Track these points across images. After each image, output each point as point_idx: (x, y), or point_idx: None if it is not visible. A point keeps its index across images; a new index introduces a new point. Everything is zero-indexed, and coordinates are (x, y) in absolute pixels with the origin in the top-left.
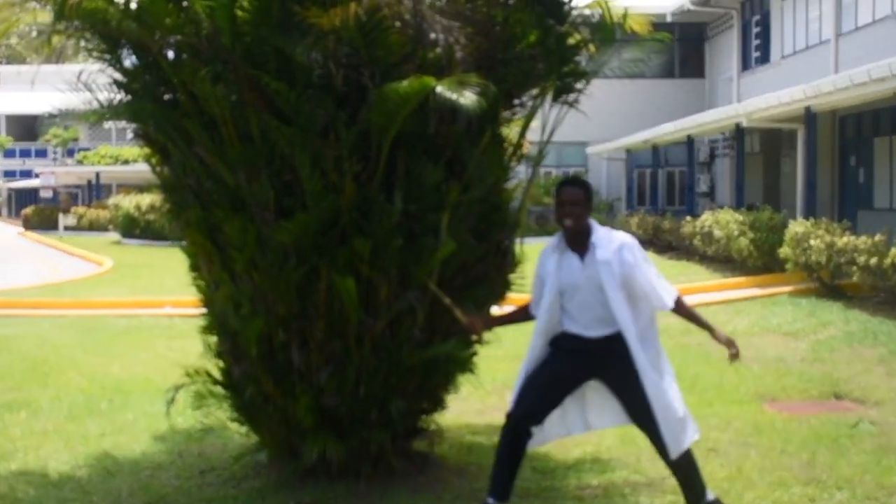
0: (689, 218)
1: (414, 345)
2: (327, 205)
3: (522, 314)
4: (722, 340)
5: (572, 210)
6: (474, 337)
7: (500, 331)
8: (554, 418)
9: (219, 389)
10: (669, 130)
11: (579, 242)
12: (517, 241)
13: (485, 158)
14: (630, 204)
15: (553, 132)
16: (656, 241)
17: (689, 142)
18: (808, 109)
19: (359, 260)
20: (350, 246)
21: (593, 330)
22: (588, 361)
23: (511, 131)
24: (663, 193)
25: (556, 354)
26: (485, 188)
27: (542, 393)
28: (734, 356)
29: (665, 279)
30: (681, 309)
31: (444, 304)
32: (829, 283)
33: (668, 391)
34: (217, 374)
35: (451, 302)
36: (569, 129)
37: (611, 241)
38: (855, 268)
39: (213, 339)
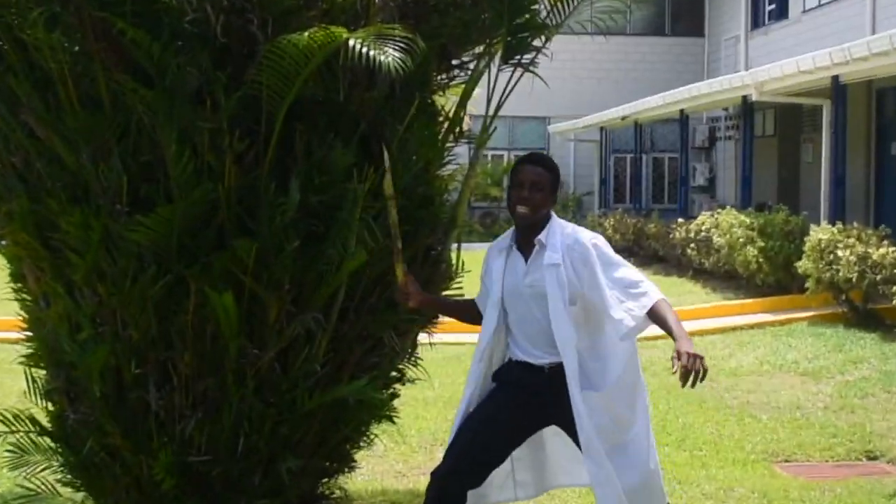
0: (681, 220)
1: (313, 384)
2: (200, 195)
3: (470, 312)
4: (679, 348)
5: (531, 196)
6: (401, 306)
7: (431, 368)
8: (498, 477)
9: (47, 441)
10: (657, 104)
11: (529, 239)
12: (453, 246)
13: (411, 136)
14: (604, 200)
15: (503, 103)
16: (638, 250)
17: (683, 120)
18: (835, 80)
19: (241, 269)
20: (229, 251)
21: (544, 356)
22: (541, 400)
23: (447, 101)
24: (648, 187)
25: (501, 391)
26: (411, 175)
27: (479, 443)
28: (685, 375)
29: (644, 283)
30: (655, 315)
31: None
32: (862, 308)
33: (625, 450)
34: (45, 421)
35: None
36: (524, 101)
37: (566, 238)
38: None
39: (41, 372)
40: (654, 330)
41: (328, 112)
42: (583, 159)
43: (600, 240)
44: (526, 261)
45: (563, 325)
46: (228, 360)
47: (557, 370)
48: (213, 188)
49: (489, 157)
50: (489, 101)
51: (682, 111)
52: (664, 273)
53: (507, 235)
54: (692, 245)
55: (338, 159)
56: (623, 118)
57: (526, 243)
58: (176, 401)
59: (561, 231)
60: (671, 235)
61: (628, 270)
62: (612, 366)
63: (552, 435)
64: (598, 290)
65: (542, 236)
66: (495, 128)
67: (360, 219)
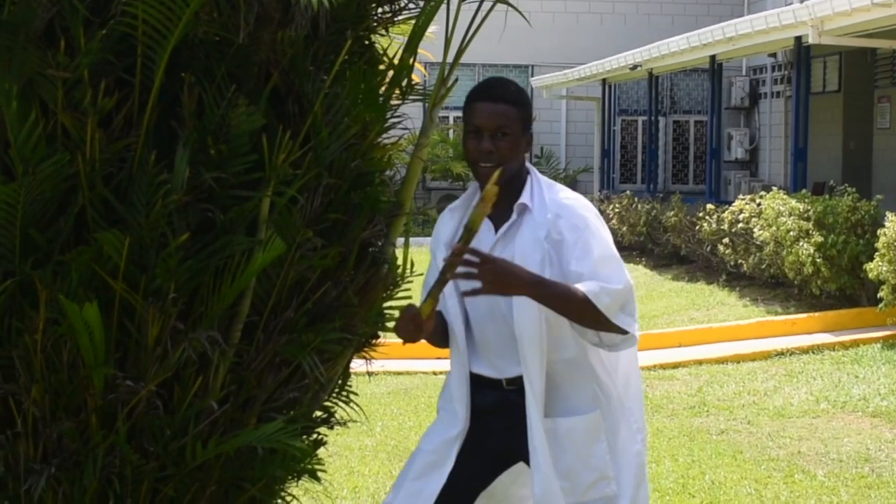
0: (710, 206)
1: (208, 427)
2: (51, 170)
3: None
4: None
5: (496, 147)
6: (401, 335)
7: (369, 407)
8: None
9: None
10: (680, 49)
11: (501, 202)
12: (399, 241)
13: (341, 90)
14: (607, 179)
15: (466, 46)
16: (653, 248)
17: (715, 70)
18: None
19: (108, 271)
20: (93, 246)
21: (509, 365)
22: (507, 435)
23: (391, 43)
24: (667, 161)
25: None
26: (341, 145)
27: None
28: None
29: (616, 268)
30: None
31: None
32: None
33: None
34: None
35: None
36: (498, 44)
37: (553, 204)
38: None
39: None
40: (671, 356)
41: (227, 58)
42: (578, 124)
43: (589, 207)
44: (496, 229)
45: (527, 322)
46: (92, 396)
47: (519, 387)
48: (69, 161)
49: (450, 120)
50: (448, 42)
51: (713, 58)
52: (688, 278)
53: (467, 193)
54: (726, 240)
55: (241, 122)
56: (633, 67)
57: (497, 205)
58: (20, 451)
59: (548, 192)
60: (697, 227)
61: (606, 250)
62: (590, 391)
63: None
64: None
65: (525, 198)
66: (457, 80)
67: (273, 201)
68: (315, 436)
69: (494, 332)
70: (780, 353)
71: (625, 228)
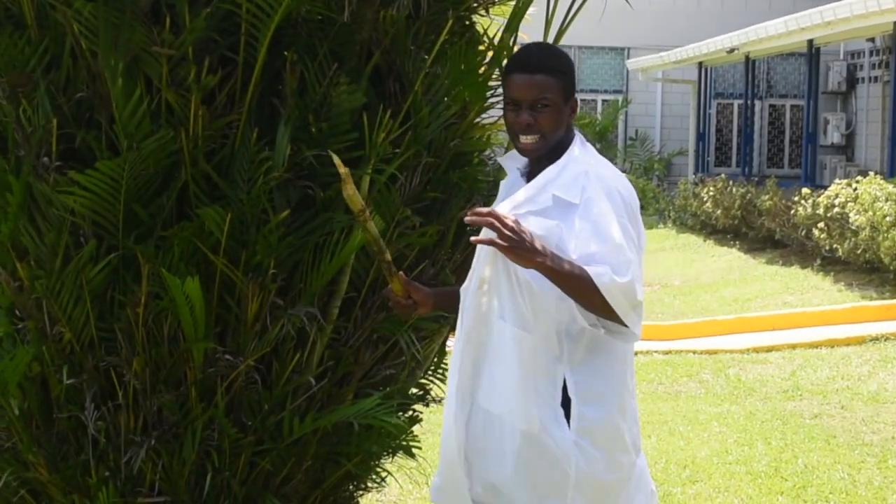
0: (806, 191)
1: (305, 403)
2: (155, 146)
3: None
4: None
5: (536, 120)
6: (399, 312)
7: None
8: None
9: None
10: (777, 32)
11: (542, 165)
12: None
13: (442, 70)
14: (702, 162)
15: (566, 28)
16: (747, 231)
17: (812, 54)
18: None
19: (210, 247)
20: (195, 222)
21: None
22: None
23: (491, 24)
24: (762, 145)
25: None
26: (440, 124)
27: None
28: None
29: (625, 259)
30: None
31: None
32: None
33: None
34: None
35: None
36: (596, 26)
37: (585, 169)
38: None
39: None
40: (765, 340)
41: (330, 36)
42: (673, 106)
43: (628, 194)
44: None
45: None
46: (192, 370)
47: None
48: (173, 137)
49: None
50: (548, 24)
51: (810, 42)
52: (782, 262)
53: (517, 154)
54: (821, 225)
55: (342, 100)
56: (730, 51)
57: (538, 169)
58: (121, 423)
59: (582, 162)
60: (792, 212)
61: (628, 248)
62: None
63: None
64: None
65: (556, 168)
66: None
67: (373, 179)
68: (411, 412)
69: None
70: (875, 339)
71: (719, 212)
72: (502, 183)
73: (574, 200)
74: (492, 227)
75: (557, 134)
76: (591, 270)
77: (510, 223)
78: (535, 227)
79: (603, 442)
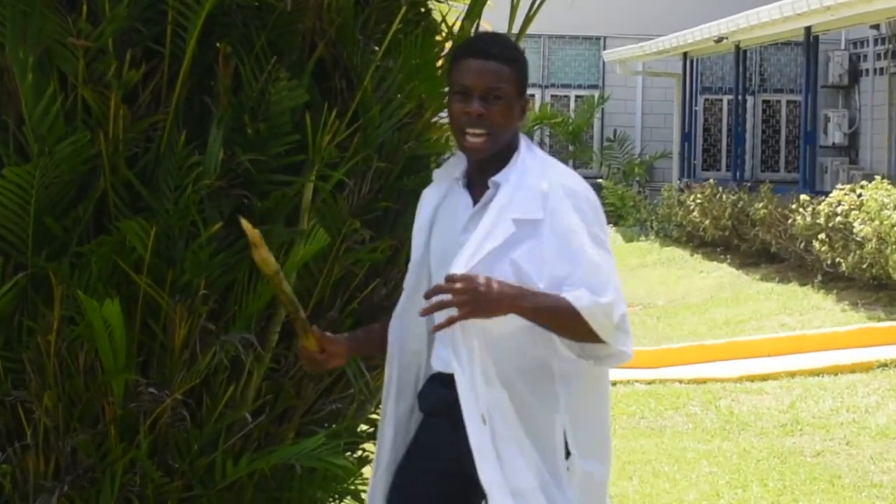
0: (804, 197)
1: (241, 442)
2: (70, 151)
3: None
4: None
5: (487, 112)
6: (311, 369)
7: None
8: None
9: None
10: (771, 18)
11: (485, 171)
12: None
13: (394, 63)
14: (688, 166)
15: (533, 16)
16: (739, 244)
17: (810, 43)
18: None
19: (132, 265)
20: (115, 236)
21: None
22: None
23: (449, 11)
24: (755, 146)
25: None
26: (393, 125)
27: None
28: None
29: (608, 274)
30: None
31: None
32: None
33: None
34: None
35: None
36: (567, 13)
37: (541, 179)
38: None
39: None
40: (760, 367)
41: (268, 26)
42: (655, 103)
43: (587, 194)
44: (475, 202)
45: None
46: (111, 405)
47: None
48: (90, 141)
49: None
50: (514, 10)
51: (808, 30)
52: (778, 278)
53: (453, 160)
54: (822, 236)
55: (282, 98)
56: (718, 40)
57: (479, 175)
58: (30, 466)
59: (538, 166)
60: (789, 221)
61: (605, 264)
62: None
63: None
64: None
65: (500, 177)
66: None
67: (317, 187)
68: (360, 452)
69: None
70: (884, 365)
71: (707, 222)
72: (427, 193)
73: (537, 216)
74: (442, 305)
75: (506, 134)
76: (569, 296)
77: (457, 286)
78: (506, 268)
79: (598, 495)
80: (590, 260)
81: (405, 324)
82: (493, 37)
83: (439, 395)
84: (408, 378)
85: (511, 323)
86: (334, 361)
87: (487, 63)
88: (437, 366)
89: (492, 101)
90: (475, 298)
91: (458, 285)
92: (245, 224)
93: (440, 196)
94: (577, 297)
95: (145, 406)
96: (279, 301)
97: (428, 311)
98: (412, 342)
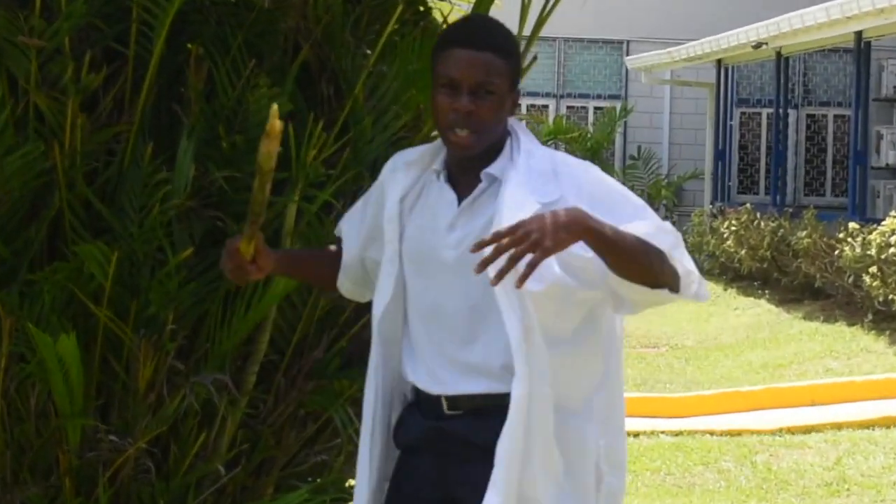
0: (854, 225)
1: (213, 497)
2: (19, 165)
3: (328, 260)
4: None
5: (476, 108)
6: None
7: None
8: None
9: None
10: (816, 22)
11: (469, 166)
12: None
13: (390, 69)
14: (721, 189)
15: (547, 17)
16: (779, 277)
17: (861, 50)
18: None
19: (89, 295)
20: (71, 263)
21: (450, 379)
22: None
23: (451, 10)
24: (798, 166)
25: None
26: (387, 138)
27: None
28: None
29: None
30: None
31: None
32: None
33: None
34: None
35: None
36: (586, 14)
37: (544, 165)
38: None
39: None
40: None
41: (246, 25)
42: (685, 116)
43: (591, 167)
44: (460, 199)
45: (514, 322)
46: (66, 454)
47: (468, 416)
48: (43, 153)
49: (523, 109)
50: (525, 10)
51: (859, 35)
52: (823, 317)
53: (430, 148)
54: (873, 269)
55: (261, 107)
56: (757, 45)
57: (461, 169)
58: None
59: (527, 153)
60: (836, 252)
61: (646, 219)
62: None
63: None
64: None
65: (495, 167)
66: (535, 58)
67: (301, 209)
68: None
69: (440, 330)
70: None
71: (743, 252)
72: (390, 176)
73: (553, 197)
74: (498, 252)
75: (497, 131)
76: (650, 245)
77: (519, 231)
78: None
79: None
80: (638, 207)
81: (385, 328)
82: (484, 22)
83: (419, 426)
84: (385, 398)
85: (569, 321)
86: (257, 274)
87: (478, 54)
88: (417, 381)
89: (482, 96)
90: (542, 231)
91: (520, 231)
92: (274, 111)
93: (408, 186)
94: (661, 241)
95: (105, 456)
96: (252, 198)
97: (484, 265)
98: (394, 352)
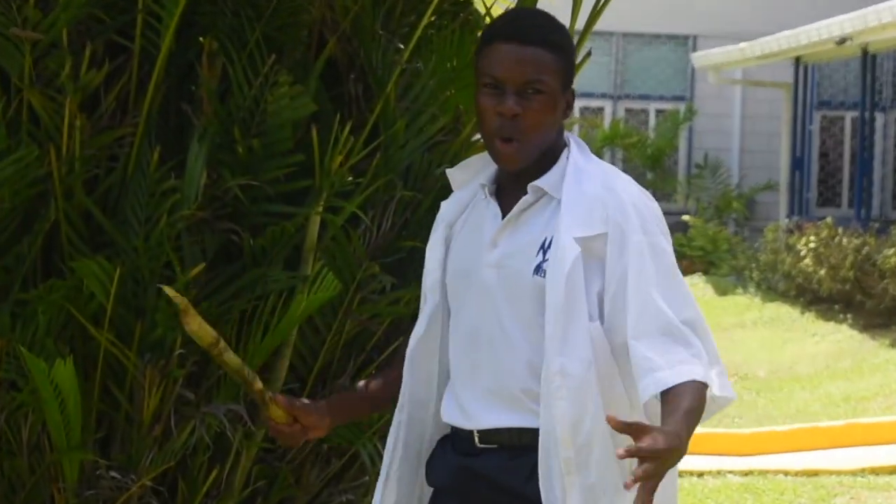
0: None
1: None
2: (11, 172)
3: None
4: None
5: (524, 110)
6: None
7: None
8: None
9: None
10: None
11: (521, 180)
12: None
13: (425, 66)
14: (799, 201)
15: (602, 9)
16: (863, 300)
17: None
18: None
19: (89, 316)
20: (68, 280)
21: (482, 411)
22: None
23: (495, 1)
24: (885, 176)
25: None
26: (423, 143)
27: None
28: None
29: (699, 325)
30: (667, 399)
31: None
32: None
33: None
34: None
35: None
36: (648, 7)
37: (592, 186)
38: None
39: None
40: (889, 457)
41: (265, 17)
42: (758, 120)
43: (650, 204)
44: (503, 215)
45: (574, 349)
46: (63, 492)
47: (502, 453)
48: (38, 158)
49: (575, 112)
50: (577, 1)
51: None
52: None
53: (479, 162)
54: None
55: (283, 107)
56: (840, 41)
57: (515, 184)
58: None
59: (587, 172)
60: None
61: (682, 291)
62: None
63: None
64: (623, 303)
65: (544, 181)
66: (589, 54)
67: (325, 221)
68: None
69: (482, 358)
70: None
71: (822, 272)
72: (445, 205)
73: (600, 230)
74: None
75: (548, 138)
76: (696, 387)
77: (652, 453)
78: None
79: None
80: (666, 279)
81: (416, 365)
82: (532, 15)
83: (449, 465)
84: (413, 436)
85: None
86: (313, 433)
87: (525, 49)
88: (449, 418)
89: (530, 96)
90: (668, 460)
91: (655, 452)
92: (168, 290)
93: (461, 207)
94: (697, 373)
95: (105, 494)
96: (228, 373)
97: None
98: (420, 390)
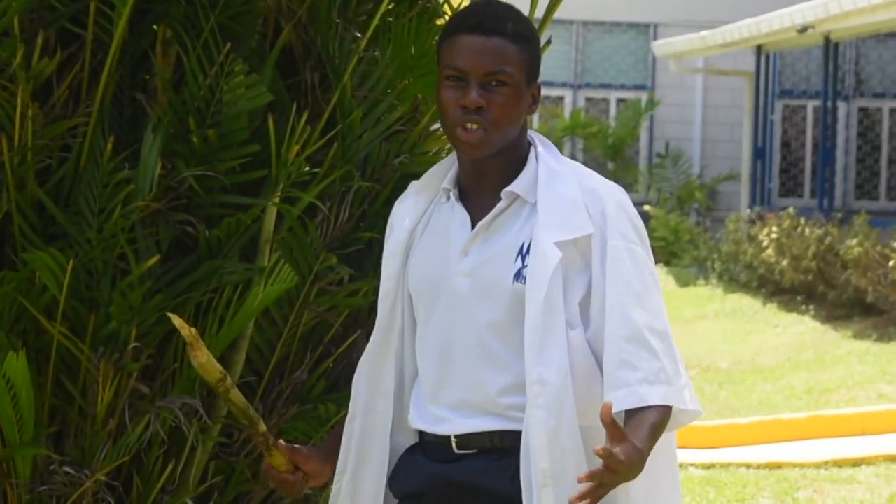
0: None
1: None
2: None
3: None
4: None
5: (489, 102)
6: (285, 492)
7: None
8: None
9: None
10: (870, 4)
11: (487, 177)
12: None
13: (383, 55)
14: (761, 191)
15: None
16: (825, 290)
17: None
18: None
19: (41, 308)
20: (20, 272)
21: (457, 418)
22: None
23: None
24: (848, 166)
25: None
26: (378, 133)
27: None
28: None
29: (657, 301)
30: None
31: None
32: None
33: None
34: None
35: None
36: None
37: (571, 192)
38: None
39: None
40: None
41: (220, 4)
42: (720, 109)
43: (628, 205)
44: (473, 224)
45: (552, 358)
46: (15, 488)
47: (479, 460)
48: None
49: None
50: None
51: None
52: (876, 335)
53: (439, 167)
54: None
55: (238, 97)
56: (802, 29)
57: (480, 189)
58: None
59: (557, 172)
60: (891, 263)
61: (655, 299)
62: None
63: None
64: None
65: (517, 185)
66: (549, 42)
67: (282, 212)
68: None
69: (453, 367)
70: None
71: (785, 262)
72: (401, 208)
73: (585, 230)
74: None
75: (513, 129)
76: (659, 405)
77: (616, 463)
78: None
79: None
80: (642, 286)
81: (372, 376)
82: (496, 6)
83: (422, 472)
84: (368, 448)
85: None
86: (314, 481)
87: (488, 40)
88: (421, 425)
89: (494, 88)
90: (629, 471)
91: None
92: (177, 321)
93: (420, 213)
94: (662, 393)
95: (59, 489)
96: (231, 412)
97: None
98: (379, 401)
